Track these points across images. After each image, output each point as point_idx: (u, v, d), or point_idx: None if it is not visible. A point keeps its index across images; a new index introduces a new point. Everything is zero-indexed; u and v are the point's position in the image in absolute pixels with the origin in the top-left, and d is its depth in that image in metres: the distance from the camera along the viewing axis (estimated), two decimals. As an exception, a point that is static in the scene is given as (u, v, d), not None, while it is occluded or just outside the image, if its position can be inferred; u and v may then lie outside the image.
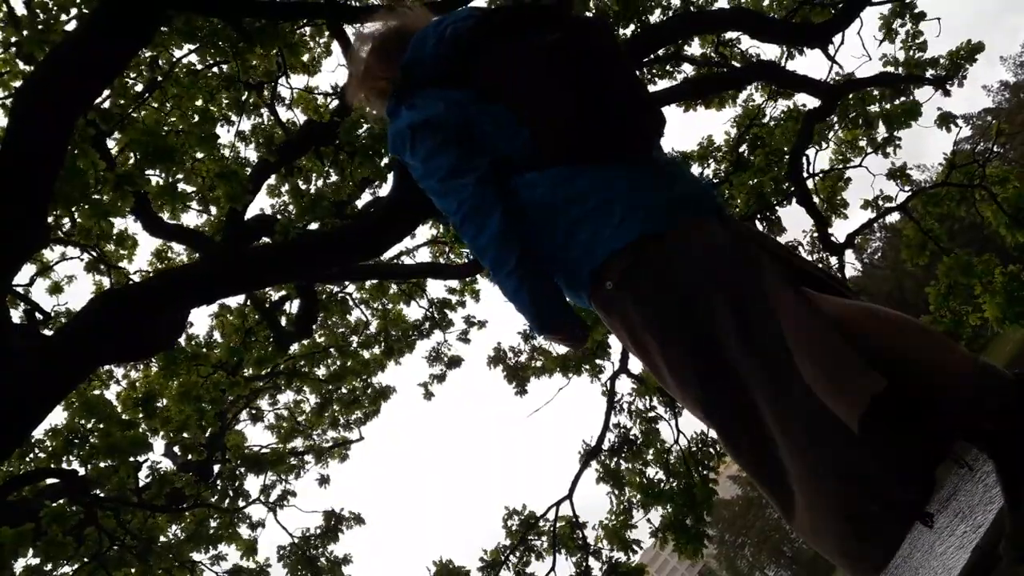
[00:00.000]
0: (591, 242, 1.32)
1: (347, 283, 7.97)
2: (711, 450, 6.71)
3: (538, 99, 1.41)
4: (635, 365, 7.60)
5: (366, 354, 8.29)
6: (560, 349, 7.62)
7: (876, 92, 7.14)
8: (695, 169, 7.59)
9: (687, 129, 8.01)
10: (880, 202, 7.42)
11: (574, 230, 1.33)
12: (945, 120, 6.83)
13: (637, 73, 1.57)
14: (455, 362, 8.67)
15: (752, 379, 1.21)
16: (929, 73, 6.76)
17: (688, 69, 7.07)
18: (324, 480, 8.47)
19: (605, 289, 1.32)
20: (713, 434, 7.08)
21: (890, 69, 6.93)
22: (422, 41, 1.53)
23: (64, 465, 5.59)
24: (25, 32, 4.53)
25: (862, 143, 7.48)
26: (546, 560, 6.51)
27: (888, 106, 7.07)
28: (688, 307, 1.26)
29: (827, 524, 1.19)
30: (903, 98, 7.01)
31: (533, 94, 1.42)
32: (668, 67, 6.86)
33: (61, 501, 5.42)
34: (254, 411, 8.33)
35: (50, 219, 5.30)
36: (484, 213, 1.35)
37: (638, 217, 1.30)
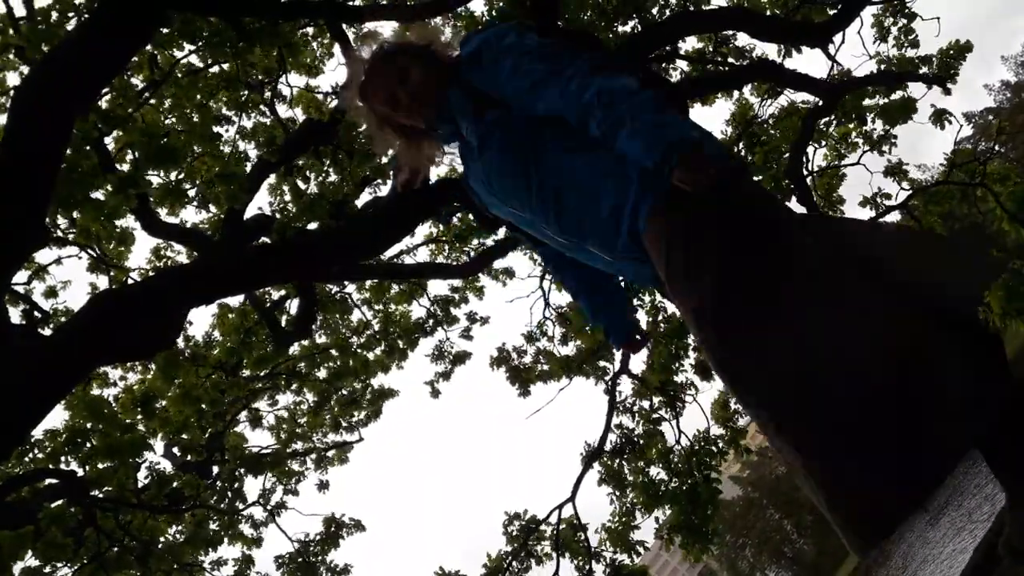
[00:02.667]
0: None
1: (347, 283, 7.96)
2: (713, 448, 6.70)
3: None
4: (636, 365, 7.58)
5: (369, 355, 8.28)
6: (562, 350, 7.60)
7: (871, 89, 7.18)
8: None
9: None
10: (879, 200, 7.43)
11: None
12: (940, 116, 6.87)
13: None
14: (461, 358, 8.64)
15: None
16: (922, 71, 6.83)
17: (683, 65, 7.07)
18: (324, 485, 8.46)
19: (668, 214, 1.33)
20: (716, 430, 7.09)
21: (883, 67, 6.98)
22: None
23: (63, 466, 5.58)
24: (25, 32, 4.53)
25: (856, 139, 7.51)
26: (547, 565, 6.49)
27: (883, 101, 7.11)
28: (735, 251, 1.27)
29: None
30: (898, 95, 7.05)
31: None
32: (664, 64, 6.85)
33: (60, 502, 5.40)
34: (254, 413, 8.30)
35: (48, 219, 5.29)
36: (613, 73, 1.40)
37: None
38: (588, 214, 1.43)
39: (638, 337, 1.89)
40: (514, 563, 6.47)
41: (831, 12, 6.35)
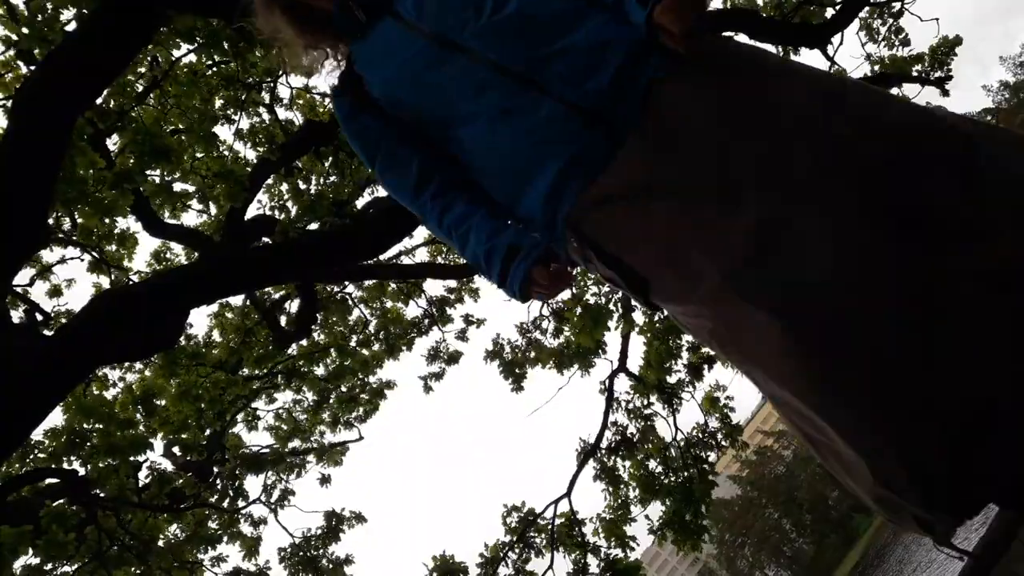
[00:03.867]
0: None
1: (347, 283, 7.98)
2: (711, 441, 6.74)
3: None
4: (633, 364, 7.60)
5: (365, 352, 8.30)
6: (552, 342, 7.62)
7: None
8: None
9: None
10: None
11: None
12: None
13: None
14: (454, 358, 8.68)
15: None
16: (915, 69, 6.87)
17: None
18: (325, 480, 8.47)
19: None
20: (714, 423, 7.11)
21: (877, 68, 7.02)
22: None
23: (64, 465, 5.59)
24: (25, 31, 4.53)
25: None
26: (545, 557, 6.52)
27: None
28: None
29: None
30: (893, 92, 7.08)
31: None
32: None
33: (61, 501, 5.42)
34: (253, 413, 8.31)
35: (50, 220, 5.30)
36: None
37: None
38: (558, 36, 1.18)
39: (553, 264, 1.24)
40: (511, 554, 6.50)
41: (831, 12, 6.37)
